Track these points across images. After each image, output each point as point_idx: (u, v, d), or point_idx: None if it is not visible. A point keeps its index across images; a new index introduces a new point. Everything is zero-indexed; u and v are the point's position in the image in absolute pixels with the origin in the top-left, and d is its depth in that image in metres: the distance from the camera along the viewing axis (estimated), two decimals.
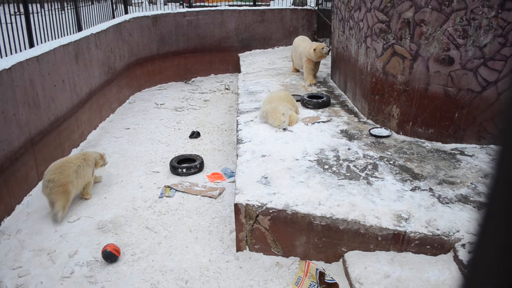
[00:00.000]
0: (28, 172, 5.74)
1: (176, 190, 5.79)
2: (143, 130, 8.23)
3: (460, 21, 4.99)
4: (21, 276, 4.20)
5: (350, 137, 5.82)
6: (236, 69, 12.29)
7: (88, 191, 5.63)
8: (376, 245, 3.99)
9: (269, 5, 14.61)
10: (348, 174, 4.76)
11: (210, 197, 5.62)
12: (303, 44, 9.00)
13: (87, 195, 5.61)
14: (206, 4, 14.54)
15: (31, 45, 6.44)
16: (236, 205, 4.31)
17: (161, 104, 9.89)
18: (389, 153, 5.31)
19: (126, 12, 11.26)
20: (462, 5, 4.93)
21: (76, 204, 5.50)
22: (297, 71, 9.81)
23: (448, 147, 5.46)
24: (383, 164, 5.00)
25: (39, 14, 6.91)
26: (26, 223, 5.11)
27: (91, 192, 5.69)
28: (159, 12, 11.57)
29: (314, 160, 5.11)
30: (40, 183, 5.98)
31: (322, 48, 8.34)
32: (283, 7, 13.22)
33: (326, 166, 4.95)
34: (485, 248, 0.50)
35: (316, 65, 8.83)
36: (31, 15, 6.49)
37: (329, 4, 11.76)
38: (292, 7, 13.46)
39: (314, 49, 8.35)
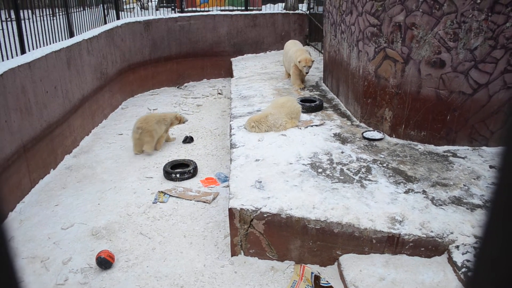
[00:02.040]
0: (20, 179, 5.70)
1: (170, 196, 5.77)
2: None
3: (451, 24, 5.04)
4: None
5: (343, 140, 5.84)
6: (229, 73, 12.30)
7: (160, 144, 7.40)
8: (371, 248, 4.00)
9: (260, 9, 14.67)
10: (342, 178, 4.78)
11: (204, 202, 5.61)
12: (294, 48, 8.86)
13: (159, 147, 7.39)
14: (198, 9, 14.55)
15: (23, 51, 6.41)
16: (230, 210, 4.31)
17: (154, 110, 9.87)
18: (382, 156, 5.33)
19: (118, 18, 11.24)
20: (453, 8, 4.98)
21: (69, 210, 5.47)
22: (290, 76, 9.56)
23: (441, 149, 5.50)
24: (376, 167, 5.02)
25: (31, 20, 6.88)
26: (19, 230, 5.06)
27: (161, 146, 7.47)
28: (151, 17, 11.56)
29: (308, 164, 5.12)
30: (33, 190, 5.97)
31: (304, 66, 8.17)
32: (274, 11, 13.27)
33: (320, 170, 4.96)
34: (488, 250, 0.50)
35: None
36: (22, 22, 6.47)
37: (320, 8, 11.83)
38: (284, 11, 13.51)
39: (299, 61, 8.22)
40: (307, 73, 8.28)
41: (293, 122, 6.34)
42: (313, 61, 8.31)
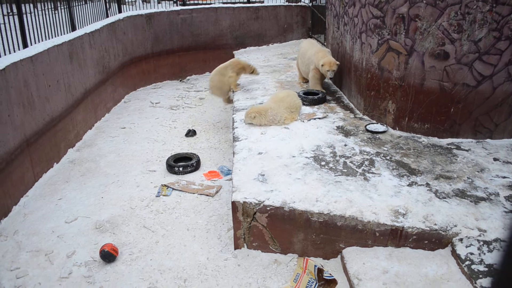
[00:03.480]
0: (24, 173, 5.71)
1: (173, 189, 5.78)
2: (139, 129, 8.21)
3: (455, 16, 5.00)
4: (19, 277, 4.18)
5: (347, 133, 5.83)
6: None
7: (233, 85, 8.24)
8: (374, 240, 4.00)
9: (263, 2, 14.58)
10: (345, 170, 4.77)
11: (207, 195, 5.62)
12: (312, 49, 7.76)
13: (235, 88, 8.28)
14: (200, 1, 14.48)
15: (25, 45, 6.40)
16: (233, 203, 4.31)
17: (156, 103, 9.87)
18: (386, 149, 5.32)
19: (120, 11, 11.21)
20: None
21: (73, 204, 5.49)
22: (306, 81, 8.30)
23: (444, 142, 5.48)
24: (379, 160, 5.00)
25: (32, 14, 6.86)
26: (23, 224, 5.09)
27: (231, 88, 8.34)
28: (153, 10, 11.53)
29: (311, 157, 5.11)
30: (36, 184, 5.98)
31: (328, 70, 7.05)
32: (277, 4, 13.20)
33: (323, 163, 4.95)
34: None
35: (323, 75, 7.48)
36: (24, 16, 6.45)
37: (323, 0, 11.76)
38: (286, 3, 13.43)
39: (322, 65, 7.10)
40: (331, 78, 7.30)
41: (292, 116, 6.27)
42: (338, 64, 7.14)
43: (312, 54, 7.59)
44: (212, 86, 8.19)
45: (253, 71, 8.40)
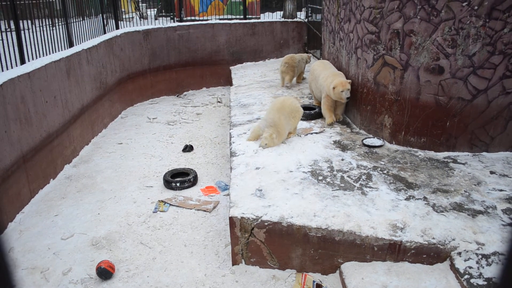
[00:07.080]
0: (20, 189, 5.68)
1: (170, 205, 5.76)
2: (136, 144, 8.20)
3: (449, 31, 5.06)
4: None
5: (343, 147, 5.84)
6: (228, 82, 12.33)
7: (300, 78, 10.11)
8: (373, 255, 3.98)
9: (259, 18, 14.73)
10: (343, 185, 4.77)
11: (204, 211, 5.59)
12: (324, 73, 7.04)
13: (299, 79, 10.13)
14: (197, 18, 14.62)
15: (22, 61, 6.42)
16: (231, 219, 4.29)
17: (153, 119, 9.88)
18: (383, 163, 5.33)
19: (117, 27, 11.28)
20: (450, 15, 5.00)
21: (69, 220, 5.45)
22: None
23: (441, 155, 5.49)
24: (377, 174, 5.01)
25: (30, 30, 6.90)
26: (19, 241, 5.04)
27: (302, 81, 10.16)
28: (150, 26, 11.61)
29: (308, 172, 5.11)
30: (33, 200, 5.95)
31: (342, 91, 6.33)
32: (273, 20, 13.33)
33: (320, 177, 4.95)
34: None
35: (337, 101, 6.74)
36: (22, 32, 6.48)
37: (318, 16, 11.88)
38: (282, 19, 13.57)
39: (334, 87, 6.39)
40: (348, 98, 6.42)
41: (293, 123, 6.13)
42: (350, 82, 6.43)
43: (323, 80, 6.85)
44: (290, 65, 9.48)
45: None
